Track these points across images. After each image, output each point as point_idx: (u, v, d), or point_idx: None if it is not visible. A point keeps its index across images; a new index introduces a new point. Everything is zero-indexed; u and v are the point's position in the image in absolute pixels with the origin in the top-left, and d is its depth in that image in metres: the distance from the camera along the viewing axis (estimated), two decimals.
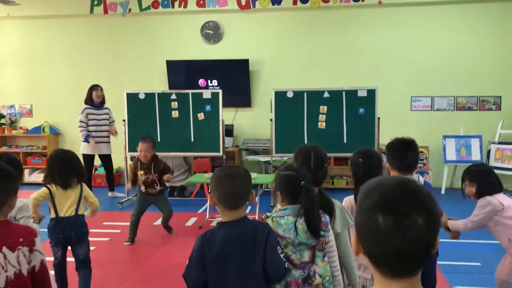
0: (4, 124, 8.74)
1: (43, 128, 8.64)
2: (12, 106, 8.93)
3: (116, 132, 7.20)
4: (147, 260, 4.55)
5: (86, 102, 7.09)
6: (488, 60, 7.71)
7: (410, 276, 1.04)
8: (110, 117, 7.25)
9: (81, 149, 6.95)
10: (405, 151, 2.71)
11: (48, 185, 3.35)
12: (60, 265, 3.41)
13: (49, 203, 3.35)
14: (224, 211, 1.96)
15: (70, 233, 3.32)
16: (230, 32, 8.25)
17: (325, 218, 2.15)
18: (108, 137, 7.21)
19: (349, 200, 2.64)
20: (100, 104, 7.13)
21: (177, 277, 4.05)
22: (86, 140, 7.00)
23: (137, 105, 6.92)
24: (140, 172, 5.04)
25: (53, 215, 3.34)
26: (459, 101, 7.90)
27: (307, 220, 2.03)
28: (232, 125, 8.21)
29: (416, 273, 1.05)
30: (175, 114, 6.86)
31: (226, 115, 7.50)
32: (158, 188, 5.07)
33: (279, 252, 1.94)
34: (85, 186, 3.47)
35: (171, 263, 4.48)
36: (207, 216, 5.95)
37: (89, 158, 7.02)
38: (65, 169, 3.34)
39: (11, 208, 2.07)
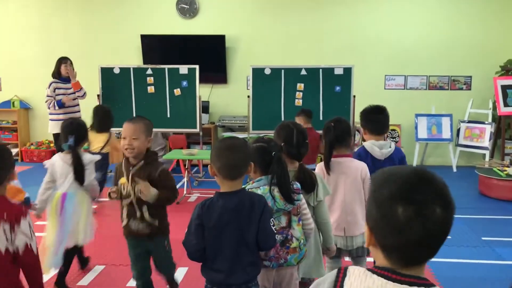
0: None
1: (13, 103, 8.41)
2: None
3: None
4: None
5: (53, 76, 6.50)
6: (460, 41, 7.87)
7: (422, 264, 1.06)
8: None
9: (49, 128, 6.49)
10: (376, 114, 3.03)
11: None
12: None
13: None
14: (223, 181, 2.00)
15: None
16: (206, 7, 8.14)
17: (297, 184, 2.28)
18: (79, 112, 6.55)
19: (321, 166, 2.80)
20: (69, 78, 6.46)
21: None
22: (60, 103, 6.31)
23: (112, 80, 6.79)
24: (122, 180, 2.73)
25: None
26: (431, 80, 8.07)
27: (280, 188, 2.15)
28: (208, 102, 8.17)
29: (424, 262, 1.06)
30: (151, 89, 6.78)
31: (202, 92, 7.46)
32: (150, 222, 2.79)
33: (271, 224, 2.03)
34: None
35: None
36: (185, 192, 5.96)
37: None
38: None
39: (7, 182, 2.12)
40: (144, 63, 7.92)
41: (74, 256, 3.53)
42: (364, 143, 3.04)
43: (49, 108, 6.39)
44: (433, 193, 1.00)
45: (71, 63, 6.51)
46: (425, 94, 8.07)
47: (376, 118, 3.04)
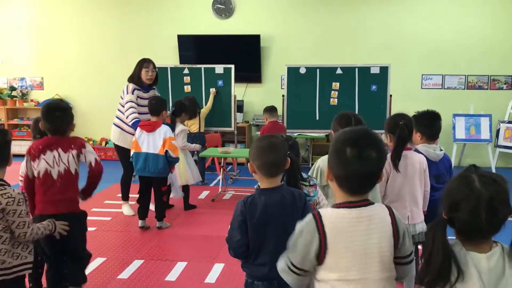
0: (16, 96, 8.78)
1: None
2: (23, 79, 8.96)
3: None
4: (163, 230, 4.67)
5: (132, 81, 4.94)
6: (501, 39, 7.67)
7: (363, 193, 1.52)
8: None
9: (115, 137, 5.07)
10: (435, 121, 3.12)
11: None
12: None
13: None
14: (263, 178, 2.05)
15: None
16: (242, 7, 8.21)
17: (314, 181, 2.38)
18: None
19: None
20: (149, 86, 5.03)
21: (193, 247, 4.19)
22: (135, 127, 4.67)
23: None
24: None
25: None
26: (470, 79, 7.90)
27: (289, 184, 2.20)
28: (243, 101, 8.24)
29: (368, 191, 1.53)
30: (187, 88, 6.90)
31: (237, 91, 7.52)
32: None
33: None
34: None
35: (187, 233, 4.60)
36: (220, 190, 6.04)
37: (126, 153, 4.83)
38: None
39: (71, 133, 2.84)
40: (181, 62, 8.05)
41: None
42: (418, 146, 3.09)
43: (127, 117, 4.83)
44: (372, 144, 1.47)
45: (155, 67, 5.05)
46: (463, 93, 7.90)
47: (434, 124, 3.13)
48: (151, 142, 4.50)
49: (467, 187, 1.35)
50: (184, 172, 5.13)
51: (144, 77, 4.91)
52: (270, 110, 6.30)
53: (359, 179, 1.47)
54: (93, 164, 2.82)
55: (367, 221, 1.48)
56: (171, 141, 4.48)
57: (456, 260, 1.32)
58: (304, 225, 1.51)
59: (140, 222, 4.68)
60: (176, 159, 4.55)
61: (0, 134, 2.34)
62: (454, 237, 1.42)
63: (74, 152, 2.73)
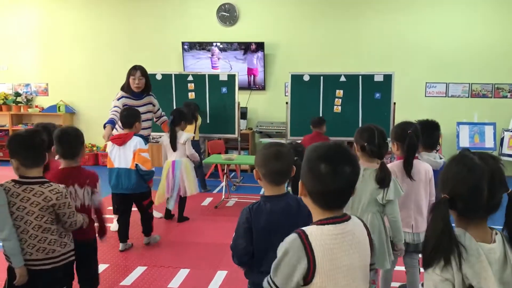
0: (20, 102, 8.83)
1: (59, 107, 8.72)
2: (28, 85, 9.01)
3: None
4: (165, 237, 4.66)
5: (123, 89, 4.85)
6: (505, 48, 7.67)
7: (338, 208, 1.50)
8: (154, 108, 5.07)
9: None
10: (433, 131, 3.12)
11: None
12: None
13: None
14: (267, 186, 2.06)
15: None
16: (246, 14, 8.24)
17: None
18: (148, 137, 4.99)
19: (394, 168, 2.87)
20: (140, 93, 4.84)
21: (195, 254, 4.18)
22: (105, 124, 4.48)
23: (154, 85, 6.90)
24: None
25: None
26: (474, 88, 7.89)
27: (293, 191, 2.24)
28: (246, 108, 8.25)
29: (343, 206, 1.51)
30: (191, 95, 6.92)
31: (240, 98, 7.55)
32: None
33: None
34: None
35: (190, 240, 4.59)
36: (223, 197, 6.04)
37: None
38: None
39: (82, 156, 2.88)
40: (185, 69, 8.08)
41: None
42: (419, 155, 3.08)
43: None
44: (345, 159, 1.47)
45: (143, 74, 4.83)
46: (467, 102, 7.89)
47: (432, 134, 3.15)
48: (122, 156, 4.17)
49: (468, 164, 1.37)
50: (193, 182, 5.07)
51: (132, 85, 4.73)
52: (317, 121, 6.15)
53: (334, 195, 1.46)
54: (98, 205, 2.87)
55: (351, 236, 1.48)
56: (140, 154, 4.11)
57: (457, 242, 1.32)
58: (290, 245, 1.44)
59: (120, 246, 4.25)
60: (149, 172, 4.18)
61: (37, 135, 2.45)
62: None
63: (89, 188, 2.78)
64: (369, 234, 1.55)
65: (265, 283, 1.55)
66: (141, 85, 4.78)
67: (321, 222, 1.47)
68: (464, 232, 1.38)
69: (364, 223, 1.56)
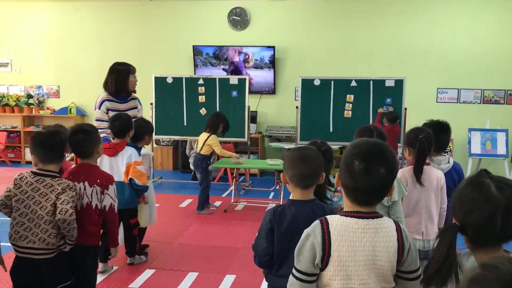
0: (32, 104, 8.90)
1: (70, 109, 8.79)
2: (40, 87, 9.09)
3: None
4: (174, 240, 4.66)
5: (108, 89, 4.36)
6: None
7: (370, 206, 1.52)
8: (138, 114, 4.46)
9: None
10: (440, 133, 3.01)
11: None
12: None
13: None
14: (295, 189, 2.05)
15: None
16: (257, 19, 8.25)
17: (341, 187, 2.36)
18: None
19: (403, 172, 2.85)
20: (126, 96, 4.40)
21: (204, 257, 4.17)
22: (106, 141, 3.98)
23: (165, 89, 7.00)
24: None
25: None
26: (486, 94, 7.82)
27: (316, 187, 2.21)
28: (256, 112, 8.25)
29: (374, 203, 1.53)
30: (201, 98, 6.93)
31: (250, 102, 7.54)
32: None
33: None
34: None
35: (198, 244, 4.58)
36: (232, 200, 6.03)
37: None
38: None
39: (99, 154, 2.85)
40: (196, 72, 8.11)
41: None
42: (431, 160, 3.03)
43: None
44: (381, 159, 1.47)
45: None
46: (479, 108, 7.83)
47: (441, 136, 3.06)
48: (114, 168, 3.72)
49: (483, 193, 1.32)
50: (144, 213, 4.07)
51: (132, 85, 4.38)
52: (390, 116, 6.35)
53: (364, 192, 1.49)
54: (107, 208, 2.74)
55: (373, 233, 1.49)
56: (135, 166, 3.73)
57: (457, 268, 1.31)
58: (311, 230, 1.53)
59: (100, 266, 3.68)
60: (144, 187, 3.81)
61: (57, 134, 2.54)
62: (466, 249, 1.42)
63: (99, 188, 2.72)
64: (400, 240, 1.50)
65: (289, 278, 1.57)
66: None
67: (345, 214, 1.52)
68: (470, 254, 1.35)
69: (399, 228, 1.52)
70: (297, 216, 2.00)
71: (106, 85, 4.37)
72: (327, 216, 1.53)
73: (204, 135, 5.69)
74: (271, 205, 5.79)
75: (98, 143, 2.82)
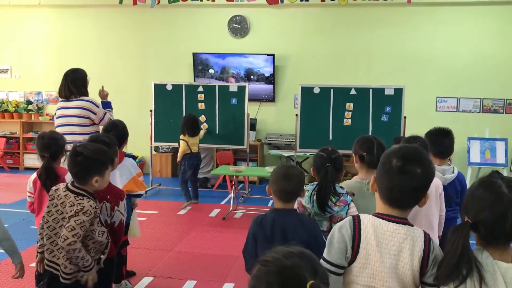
0: (31, 110, 8.89)
1: None
2: (39, 93, 9.09)
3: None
4: (173, 248, 4.63)
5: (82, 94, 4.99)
6: None
7: (403, 208, 1.55)
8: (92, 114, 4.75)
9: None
10: (443, 138, 3.09)
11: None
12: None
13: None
14: (277, 201, 2.29)
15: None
16: (257, 27, 8.27)
17: (346, 197, 2.48)
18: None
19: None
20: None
21: (202, 265, 4.15)
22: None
23: (164, 96, 7.00)
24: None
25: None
26: (485, 103, 7.83)
27: (318, 196, 2.42)
28: (255, 119, 8.25)
29: (408, 207, 1.57)
30: (201, 106, 6.93)
31: (250, 109, 7.54)
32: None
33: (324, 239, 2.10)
34: None
35: (197, 252, 4.56)
36: (231, 208, 6.01)
37: None
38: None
39: (114, 167, 2.78)
40: (195, 80, 8.11)
41: None
42: None
43: None
44: (418, 160, 1.52)
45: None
46: (479, 117, 7.83)
47: (442, 142, 3.10)
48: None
49: (495, 192, 1.38)
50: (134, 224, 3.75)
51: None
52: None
53: (398, 192, 1.52)
54: (116, 224, 2.63)
55: (401, 239, 1.52)
56: (138, 179, 3.51)
57: (476, 263, 1.35)
58: (344, 223, 1.59)
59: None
60: (140, 195, 3.64)
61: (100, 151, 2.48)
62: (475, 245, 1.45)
63: (108, 205, 2.59)
64: (427, 251, 1.52)
65: None
66: None
67: (377, 215, 1.57)
68: (482, 250, 1.39)
69: (429, 239, 1.54)
70: (275, 224, 2.21)
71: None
72: (360, 214, 1.61)
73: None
74: None
75: (115, 155, 2.79)
